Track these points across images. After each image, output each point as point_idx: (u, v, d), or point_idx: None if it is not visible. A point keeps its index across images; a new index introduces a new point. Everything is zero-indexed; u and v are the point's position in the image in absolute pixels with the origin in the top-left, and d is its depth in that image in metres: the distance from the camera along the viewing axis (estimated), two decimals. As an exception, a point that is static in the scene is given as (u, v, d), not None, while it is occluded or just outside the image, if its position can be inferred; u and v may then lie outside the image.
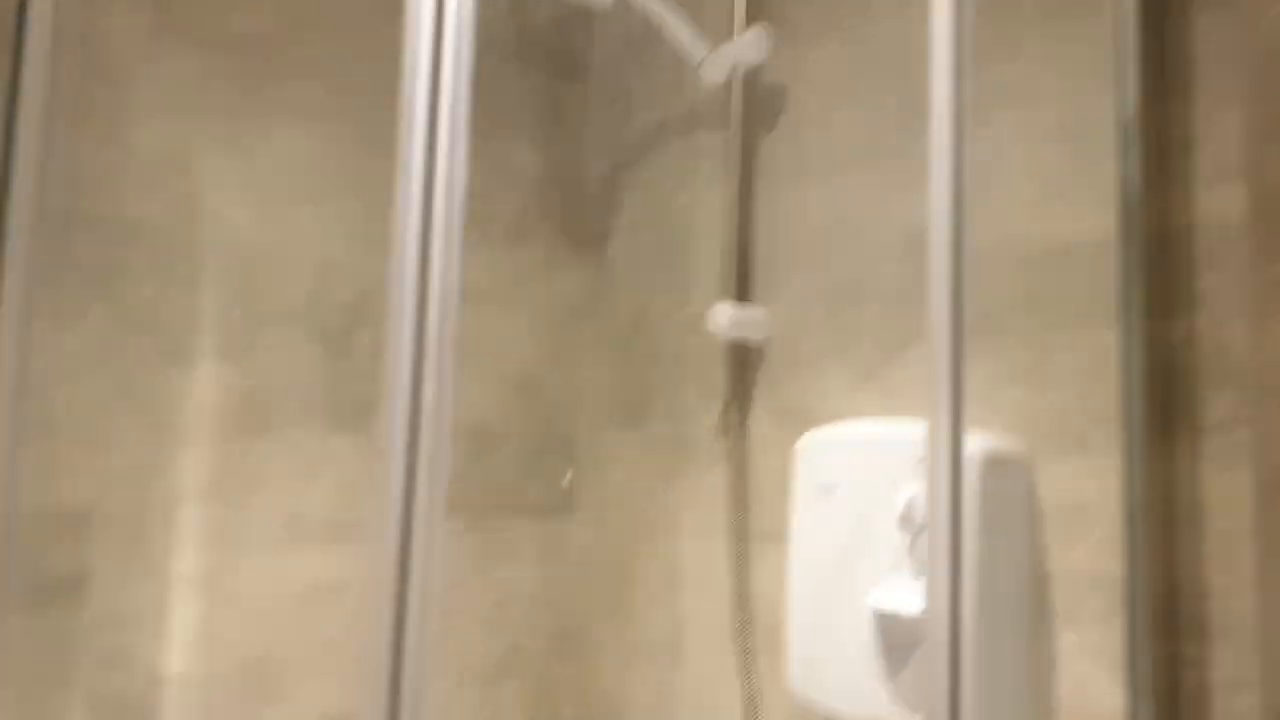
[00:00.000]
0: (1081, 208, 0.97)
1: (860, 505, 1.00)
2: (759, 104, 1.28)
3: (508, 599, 1.39)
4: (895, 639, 0.94)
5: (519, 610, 1.40)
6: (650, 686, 1.32)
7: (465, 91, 0.71)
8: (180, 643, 1.12)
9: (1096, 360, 0.94)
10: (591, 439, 1.47)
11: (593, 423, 1.47)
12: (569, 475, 1.44)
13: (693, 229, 1.34)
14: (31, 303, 1.01)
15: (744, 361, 1.25)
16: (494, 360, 1.40)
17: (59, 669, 1.05)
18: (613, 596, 1.40)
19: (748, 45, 1.25)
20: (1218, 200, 0.92)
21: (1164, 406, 0.93)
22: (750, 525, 1.22)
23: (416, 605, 0.69)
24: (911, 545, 0.93)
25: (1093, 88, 0.97)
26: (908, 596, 0.92)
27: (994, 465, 0.92)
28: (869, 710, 0.96)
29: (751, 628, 1.19)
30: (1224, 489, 0.89)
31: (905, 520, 0.93)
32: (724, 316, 1.21)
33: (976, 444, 0.92)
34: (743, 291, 1.25)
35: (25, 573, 1.03)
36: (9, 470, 0.97)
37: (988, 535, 0.88)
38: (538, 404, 1.45)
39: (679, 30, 1.28)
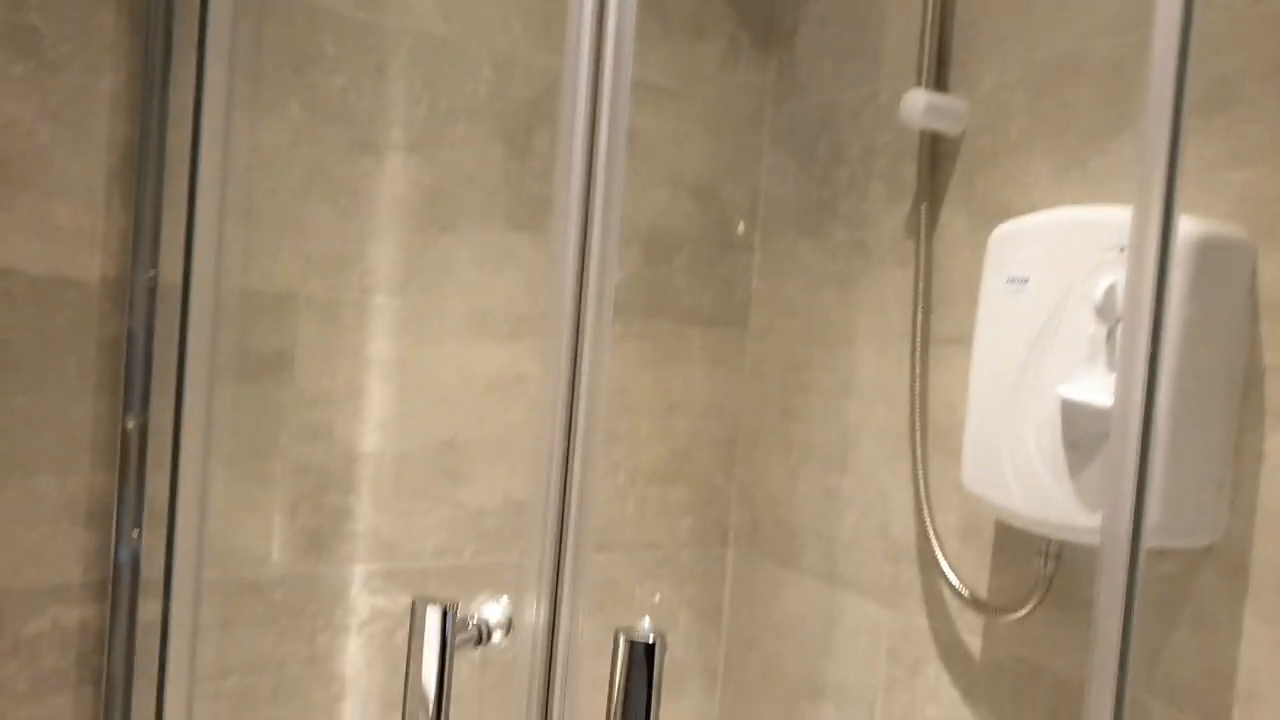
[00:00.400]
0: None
1: (1053, 297, 0.94)
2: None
3: (680, 403, 1.41)
4: (1081, 434, 0.89)
5: (691, 415, 1.42)
6: (819, 491, 1.33)
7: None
8: (374, 422, 1.19)
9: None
10: (770, 245, 1.44)
11: (771, 229, 1.44)
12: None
13: (887, 16, 1.25)
14: (232, 93, 1.04)
15: (937, 156, 1.18)
16: (671, 163, 1.37)
17: (267, 439, 1.14)
18: (785, 404, 1.40)
19: None
20: None
21: None
22: (933, 330, 1.18)
23: (585, 400, 0.69)
24: (1109, 336, 0.87)
25: None
26: (1100, 388, 0.87)
27: (1207, 251, 0.84)
28: (1046, 510, 0.93)
29: (926, 432, 1.17)
30: None
31: (1104, 309, 0.87)
32: (917, 104, 1.13)
33: (1188, 228, 0.84)
34: (940, 81, 1.17)
35: (236, 348, 1.11)
36: (216, 251, 1.03)
37: (1195, 325, 0.82)
38: (715, 209, 1.42)
39: None
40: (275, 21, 1.11)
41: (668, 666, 1.42)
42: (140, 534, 1.05)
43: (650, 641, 0.60)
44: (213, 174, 1.02)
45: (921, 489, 1.16)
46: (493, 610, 0.71)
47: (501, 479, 1.27)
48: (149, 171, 1.02)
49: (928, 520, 1.14)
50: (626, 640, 0.60)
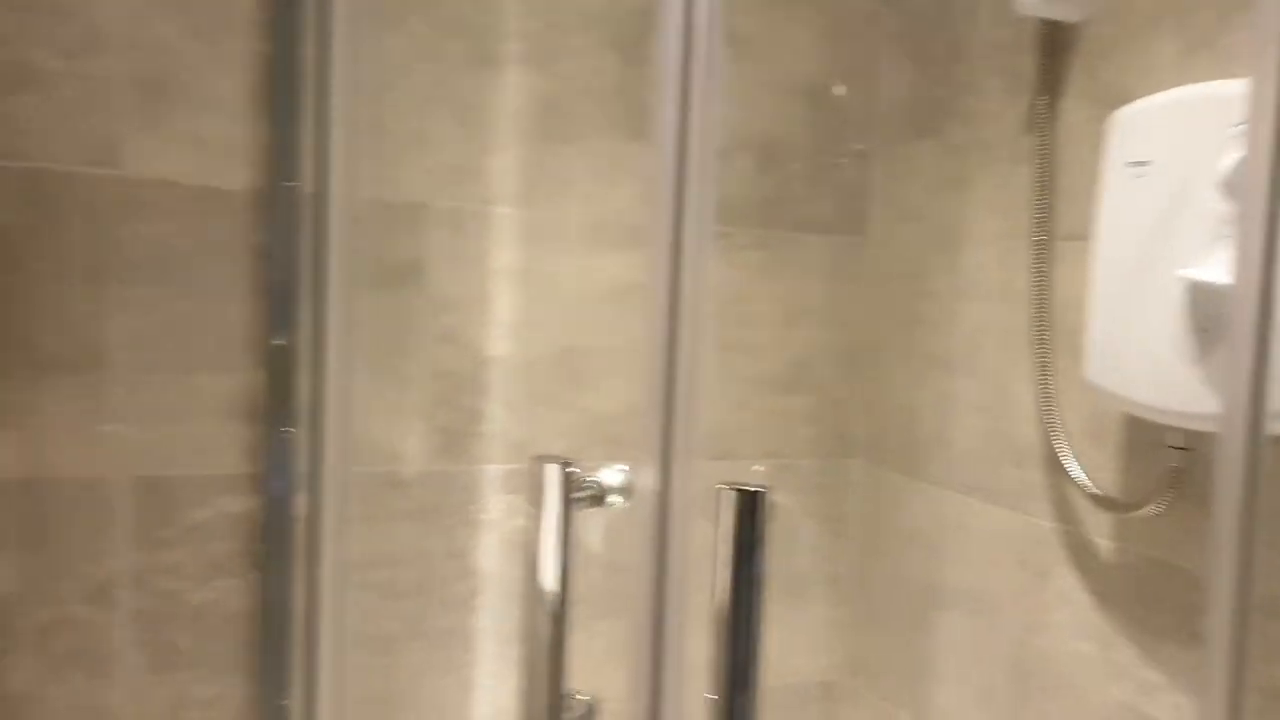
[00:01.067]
0: None
1: (1177, 178, 0.90)
2: None
3: (797, 312, 1.42)
4: (1206, 317, 0.86)
5: (808, 324, 1.42)
6: (941, 397, 1.32)
7: None
8: (501, 328, 1.25)
9: None
10: (886, 150, 1.42)
11: (887, 133, 1.41)
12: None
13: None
14: (357, 9, 1.10)
15: (1056, 46, 1.14)
16: (783, 69, 1.36)
17: (403, 342, 1.21)
18: (904, 311, 1.39)
19: None
20: None
21: None
22: (1055, 226, 1.15)
23: (687, 310, 0.70)
24: (1235, 215, 0.83)
25: None
26: (1225, 268, 0.83)
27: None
28: (1172, 398, 0.90)
29: (1050, 331, 1.14)
30: None
31: (1230, 185, 0.83)
32: (1034, -11, 1.09)
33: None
34: (1061, -36, 1.12)
35: (372, 257, 1.18)
36: (348, 164, 1.09)
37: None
38: (830, 114, 1.41)
39: None
40: (398, -60, 1.15)
41: (793, 575, 1.45)
42: (291, 431, 1.14)
43: (753, 489, 0.62)
44: (341, 88, 1.07)
45: (1046, 389, 1.13)
46: (610, 474, 0.75)
47: (622, 386, 1.31)
48: (284, 86, 1.09)
49: (1053, 420, 1.12)
50: (732, 489, 0.62)
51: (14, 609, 1.04)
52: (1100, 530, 1.10)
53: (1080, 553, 1.12)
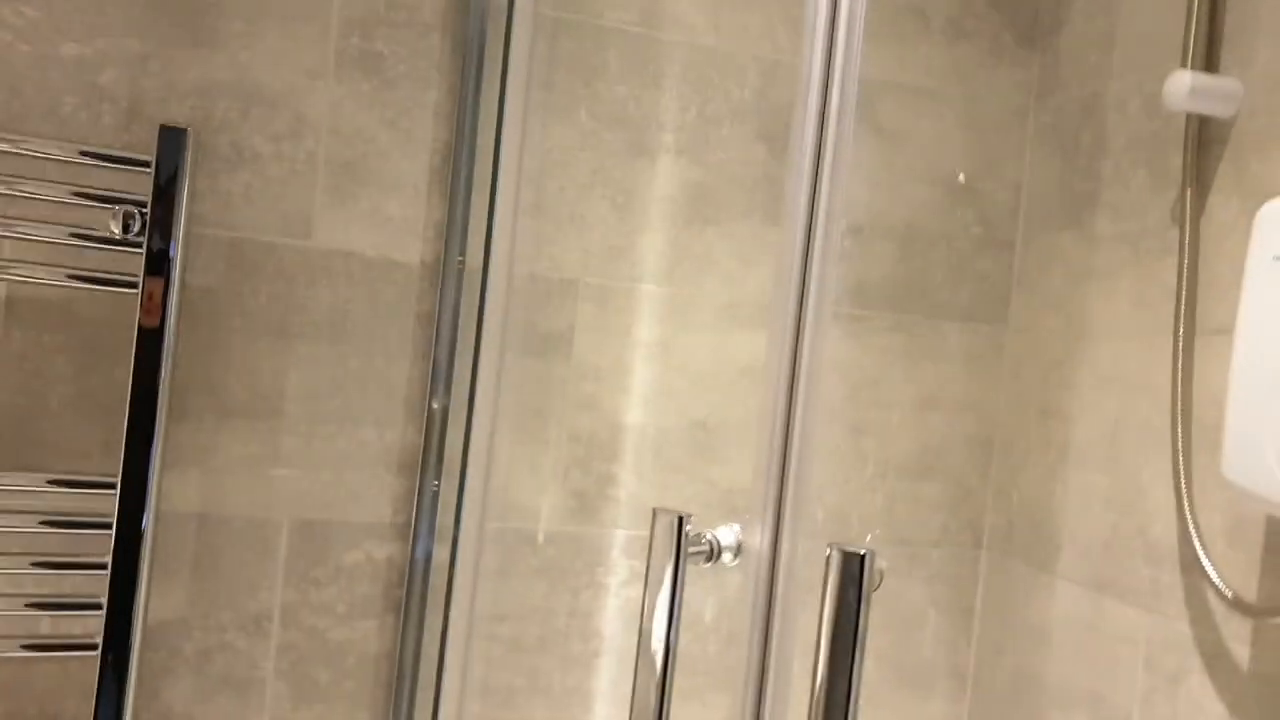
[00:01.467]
0: None
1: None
2: None
3: (934, 399, 1.43)
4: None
5: (945, 411, 1.43)
6: (1077, 491, 1.31)
7: None
8: (638, 398, 1.31)
9: None
10: (1029, 240, 1.43)
11: (1031, 224, 1.43)
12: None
13: (1154, 3, 1.23)
14: (529, 102, 1.20)
15: (1205, 141, 1.14)
16: (928, 159, 1.40)
17: (545, 407, 1.28)
18: (1041, 401, 1.38)
19: None
20: None
21: None
22: (1199, 320, 1.14)
23: (803, 392, 0.72)
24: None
25: None
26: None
27: None
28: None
29: (1190, 427, 1.13)
30: None
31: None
32: (1182, 86, 1.10)
33: None
34: (1209, 62, 1.13)
35: (524, 326, 1.26)
36: (511, 241, 1.18)
37: None
38: (974, 205, 1.43)
39: None
40: (568, 39, 1.26)
41: (915, 665, 1.43)
42: (439, 484, 1.21)
43: (861, 552, 0.65)
44: (510, 173, 1.17)
45: (1184, 486, 1.12)
46: (725, 532, 0.78)
47: (749, 459, 1.34)
48: (461, 170, 1.20)
49: (1190, 519, 1.10)
50: (839, 551, 0.65)
51: (180, 632, 1.14)
52: (1237, 636, 1.06)
53: (1214, 659, 1.09)
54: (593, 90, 1.27)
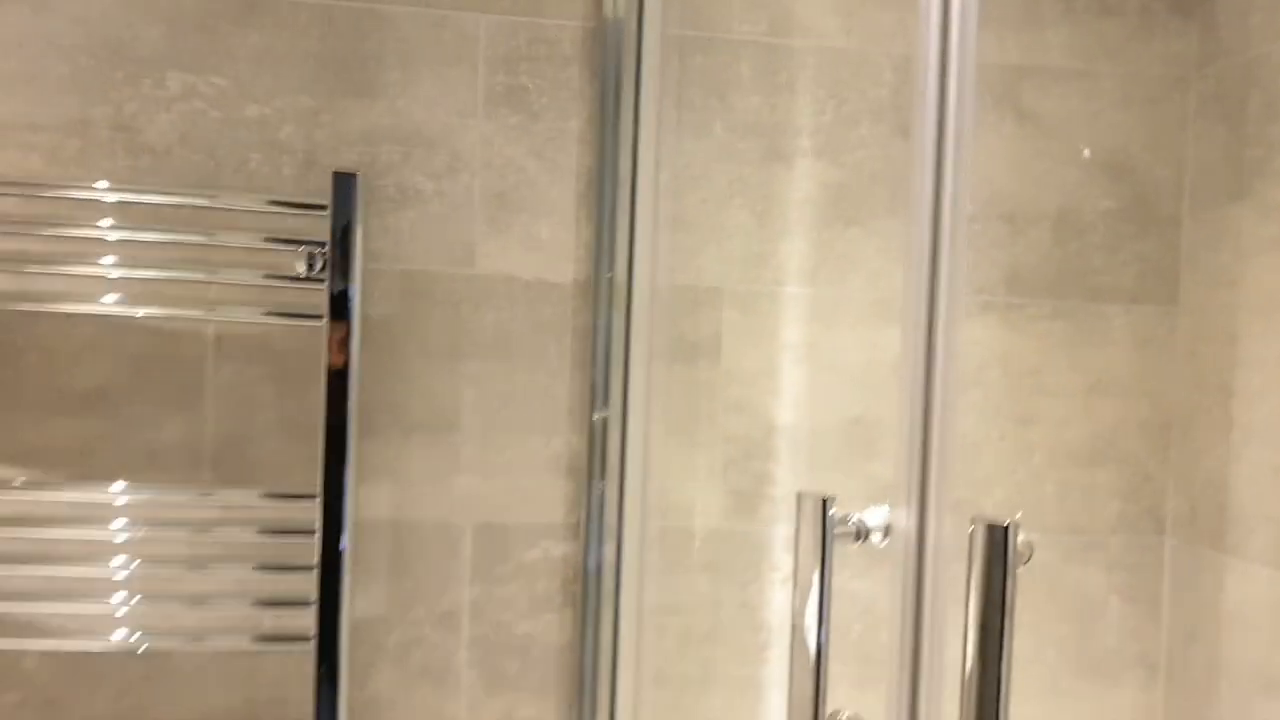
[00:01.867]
0: None
1: None
2: None
3: (1100, 384, 1.38)
4: None
5: (1113, 395, 1.39)
6: (1263, 469, 1.24)
7: None
8: (789, 399, 1.34)
9: None
10: (1196, 216, 1.36)
11: (1198, 198, 1.35)
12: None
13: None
14: (663, 122, 1.25)
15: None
16: (1081, 141, 1.35)
17: (697, 410, 1.33)
18: (1219, 380, 1.31)
19: None
20: None
21: None
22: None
23: (939, 383, 0.73)
24: None
25: None
26: None
27: None
28: None
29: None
30: None
31: None
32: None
33: None
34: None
35: (671, 335, 1.32)
36: (653, 255, 1.24)
37: None
38: (1132, 184, 1.37)
39: None
40: (700, 55, 1.30)
41: (1100, 654, 1.39)
42: (604, 485, 1.29)
43: (1004, 524, 0.65)
44: (648, 190, 1.23)
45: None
46: (872, 514, 0.80)
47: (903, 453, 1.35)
48: (605, 192, 1.27)
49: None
50: (983, 525, 0.66)
51: (381, 628, 1.27)
52: None
53: None
54: (726, 103, 1.30)
